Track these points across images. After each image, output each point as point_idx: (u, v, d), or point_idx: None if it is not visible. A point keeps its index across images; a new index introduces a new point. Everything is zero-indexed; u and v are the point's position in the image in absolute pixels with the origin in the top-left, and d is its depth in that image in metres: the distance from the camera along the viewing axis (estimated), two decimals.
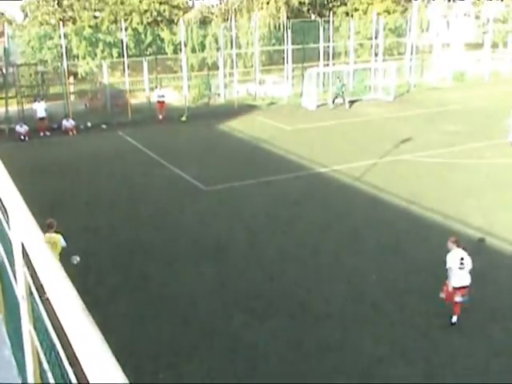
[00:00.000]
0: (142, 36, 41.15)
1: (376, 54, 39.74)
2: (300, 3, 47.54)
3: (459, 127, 27.89)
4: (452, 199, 18.26)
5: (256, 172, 21.75)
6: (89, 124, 30.92)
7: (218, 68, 37.48)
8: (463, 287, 11.24)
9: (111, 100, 33.53)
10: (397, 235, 15.79)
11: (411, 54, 40.83)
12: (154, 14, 42.32)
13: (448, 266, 11.19)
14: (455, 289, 11.25)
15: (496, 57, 46.04)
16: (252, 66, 38.95)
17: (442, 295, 11.47)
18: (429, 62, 42.87)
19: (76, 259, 12.48)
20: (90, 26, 39.60)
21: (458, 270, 11.19)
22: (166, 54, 40.21)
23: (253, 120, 30.39)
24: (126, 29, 34.93)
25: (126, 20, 38.07)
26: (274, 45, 40.87)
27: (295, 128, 29.11)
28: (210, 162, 23.42)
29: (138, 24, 41.19)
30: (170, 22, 41.87)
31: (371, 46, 39.95)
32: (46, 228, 12.50)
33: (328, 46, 38.40)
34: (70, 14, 41.22)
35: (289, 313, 11.97)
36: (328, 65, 37.63)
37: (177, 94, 36.78)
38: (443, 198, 18.32)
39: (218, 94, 37.11)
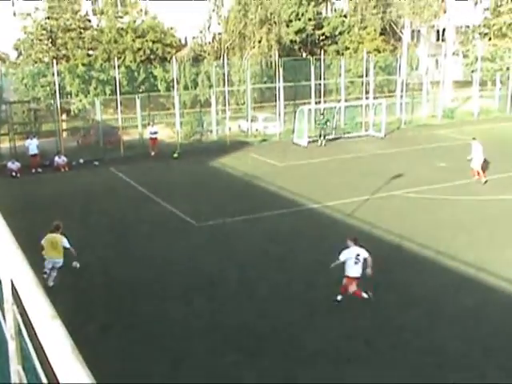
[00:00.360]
0: (135, 73, 41.57)
1: (367, 92, 40.21)
2: (291, 42, 48.23)
3: (449, 164, 28.08)
4: (443, 235, 18.28)
5: (248, 208, 21.74)
6: (81, 160, 30.96)
7: (210, 105, 37.76)
8: (357, 278, 13.44)
9: (104, 137, 33.63)
10: (389, 271, 15.74)
11: (401, 91, 41.33)
12: (147, 52, 42.76)
13: (342, 259, 13.37)
14: (352, 279, 13.42)
15: (485, 94, 46.67)
16: (244, 103, 39.29)
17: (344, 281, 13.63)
18: (419, 99, 43.37)
19: (76, 264, 15.37)
20: (83, 64, 39.94)
21: (354, 264, 13.35)
22: (159, 91, 40.54)
23: (245, 156, 30.56)
24: (119, 66, 35.26)
25: (119, 58, 38.44)
26: (265, 82, 41.31)
27: (287, 164, 29.23)
28: (202, 198, 23.42)
29: (131, 62, 41.59)
30: (163, 60, 42.28)
31: (362, 84, 40.46)
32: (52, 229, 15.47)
33: (319, 84, 38.83)
34: (63, 52, 41.56)
35: (281, 350, 11.85)
36: (319, 102, 38.00)
37: (169, 130, 36.97)
38: (435, 234, 18.34)
39: (210, 131, 37.32)
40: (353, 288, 13.41)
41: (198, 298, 14.40)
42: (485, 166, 25.46)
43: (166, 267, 16.48)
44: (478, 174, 24.85)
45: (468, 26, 55.26)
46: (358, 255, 13.27)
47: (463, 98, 47.17)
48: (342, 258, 13.31)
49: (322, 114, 34.94)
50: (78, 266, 15.40)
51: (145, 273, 16.08)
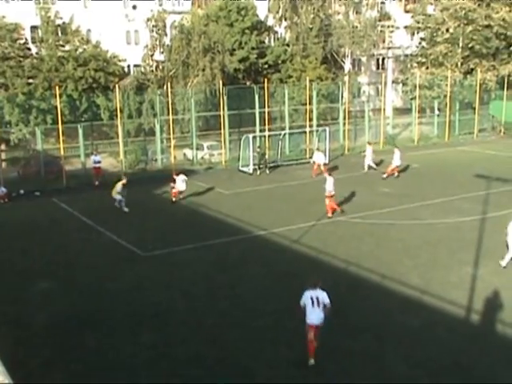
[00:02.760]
0: (77, 102, 41.03)
1: (310, 119, 40.74)
2: (235, 70, 48.60)
3: (393, 189, 28.65)
4: (388, 259, 18.54)
5: (195, 236, 21.57)
6: (22, 191, 30.14)
7: (154, 134, 37.54)
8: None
9: (45, 167, 32.93)
10: (336, 296, 15.77)
11: (344, 118, 42.07)
12: (90, 80, 42.29)
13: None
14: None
15: (424, 121, 48.00)
16: (189, 131, 39.21)
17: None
18: (362, 126, 44.23)
19: (125, 209, 25.33)
20: (23, 93, 39.19)
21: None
22: (102, 120, 40.09)
23: (191, 184, 30.28)
24: (60, 95, 34.64)
25: (60, 87, 37.85)
26: (210, 110, 41.40)
27: (233, 192, 29.23)
28: (148, 228, 23.12)
29: (72, 90, 41.03)
30: (106, 89, 41.91)
31: (305, 111, 40.99)
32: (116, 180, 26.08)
33: (264, 112, 39.14)
34: (2, 80, 40.70)
35: (231, 379, 11.68)
36: (264, 130, 38.29)
37: (113, 159, 36.50)
38: (380, 259, 18.58)
39: (155, 160, 37.02)
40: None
41: (144, 328, 14.12)
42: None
43: (111, 298, 16.11)
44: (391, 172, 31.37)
45: (406, 55, 57.04)
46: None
47: (404, 125, 48.36)
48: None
49: (259, 146, 35.22)
50: (127, 210, 25.35)
51: (89, 304, 15.68)
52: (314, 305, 11.84)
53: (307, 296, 11.96)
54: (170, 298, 16.01)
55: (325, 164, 32.89)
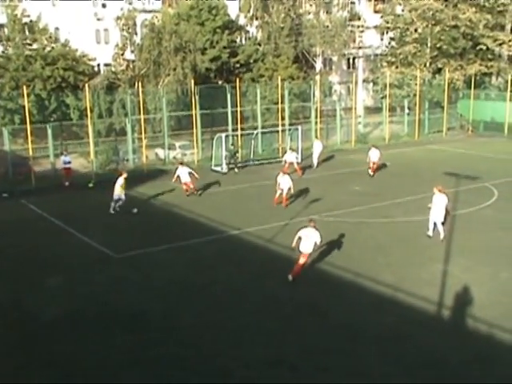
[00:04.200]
0: (46, 102, 40.46)
1: (283, 118, 40.80)
2: (207, 69, 48.44)
3: (364, 187, 28.85)
4: (361, 257, 18.66)
5: (169, 237, 21.43)
6: None
7: (125, 133, 37.18)
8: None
9: (13, 168, 32.39)
10: (312, 295, 15.89)
11: (316, 117, 42.21)
12: (58, 80, 41.73)
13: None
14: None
15: (394, 120, 48.43)
16: (161, 131, 38.95)
17: None
18: (333, 125, 44.47)
19: (135, 210, 24.39)
20: None
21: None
22: (72, 119, 39.62)
23: (163, 185, 30.15)
24: (28, 95, 34.04)
25: (28, 86, 37.25)
26: (182, 110, 41.18)
27: (206, 192, 29.10)
28: (121, 229, 22.89)
29: (41, 90, 40.46)
30: (75, 88, 41.41)
31: (278, 111, 41.04)
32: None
33: (236, 111, 39.07)
34: None
35: (208, 380, 11.63)
36: (237, 129, 38.22)
37: (83, 160, 36.05)
38: (353, 257, 18.70)
39: (127, 160, 36.67)
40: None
41: (119, 331, 13.96)
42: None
43: (83, 301, 15.90)
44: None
45: (376, 55, 57.54)
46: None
47: (375, 124, 48.75)
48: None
49: (233, 144, 35.31)
50: (136, 211, 24.54)
51: (61, 308, 15.45)
52: (306, 239, 16.31)
53: (303, 232, 16.47)
54: (145, 300, 15.86)
55: (298, 163, 32.81)
